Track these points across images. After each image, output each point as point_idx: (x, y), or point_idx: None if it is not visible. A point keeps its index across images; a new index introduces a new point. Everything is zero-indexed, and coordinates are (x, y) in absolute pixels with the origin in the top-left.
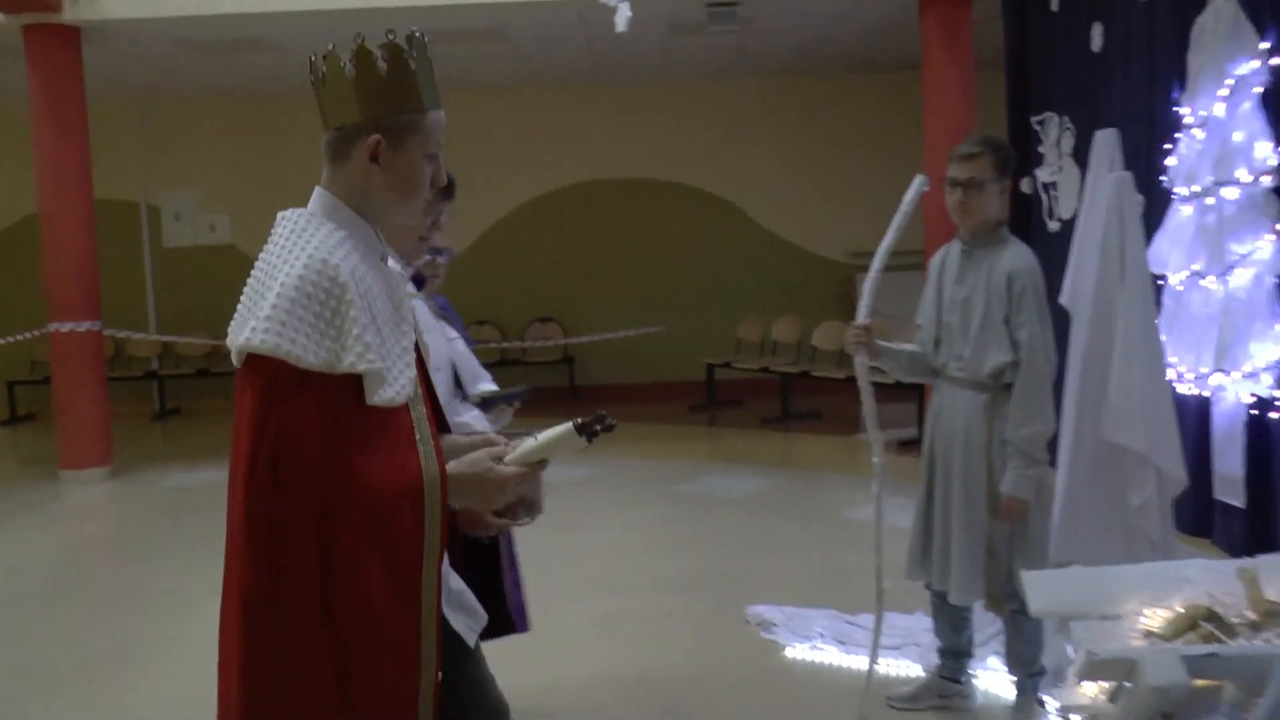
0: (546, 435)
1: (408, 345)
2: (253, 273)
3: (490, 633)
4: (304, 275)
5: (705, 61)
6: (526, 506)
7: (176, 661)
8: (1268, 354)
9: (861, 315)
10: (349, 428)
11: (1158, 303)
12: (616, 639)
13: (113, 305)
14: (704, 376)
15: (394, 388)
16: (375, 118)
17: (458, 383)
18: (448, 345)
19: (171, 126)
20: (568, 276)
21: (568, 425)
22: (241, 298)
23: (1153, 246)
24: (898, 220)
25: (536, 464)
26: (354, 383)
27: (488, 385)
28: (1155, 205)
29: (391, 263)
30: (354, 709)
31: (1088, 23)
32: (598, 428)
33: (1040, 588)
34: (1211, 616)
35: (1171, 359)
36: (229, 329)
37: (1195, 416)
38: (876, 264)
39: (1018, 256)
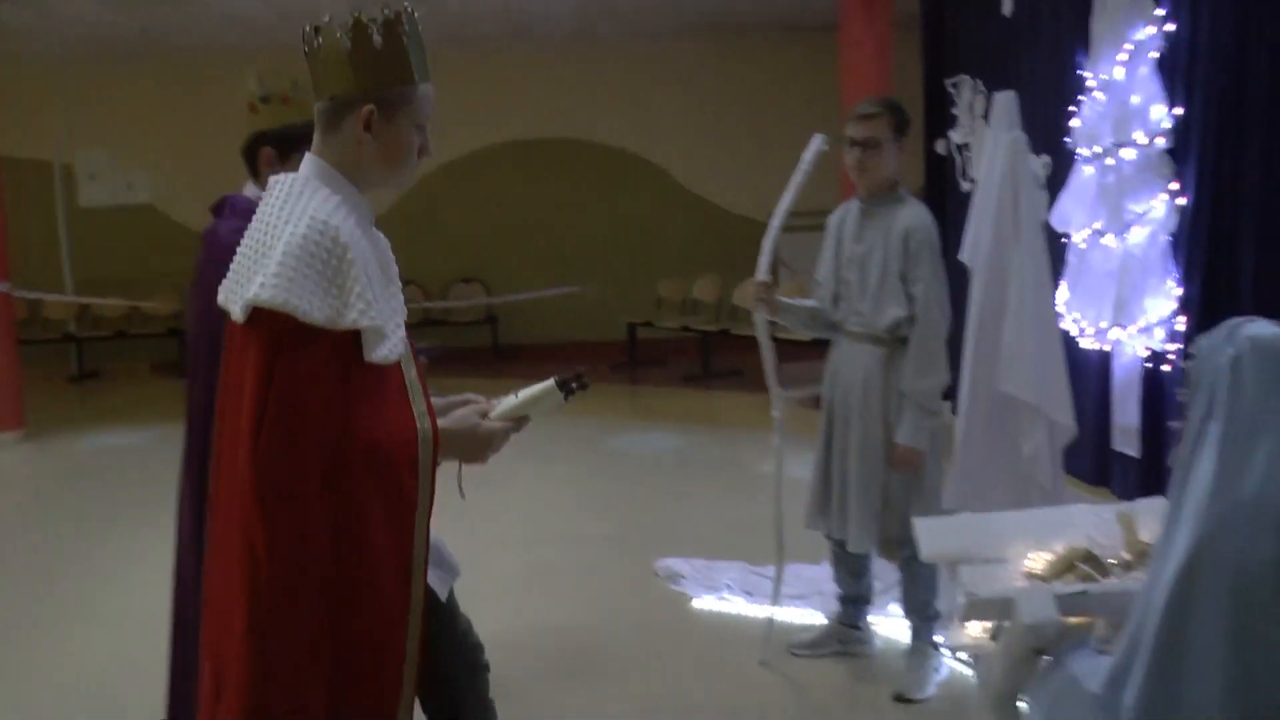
0: (527, 392)
1: (397, 306)
2: (248, 233)
3: None
4: (307, 235)
5: (625, 20)
6: None
7: (90, 627)
8: (1160, 309)
9: (761, 272)
10: (349, 383)
11: (1062, 260)
12: (534, 591)
13: (27, 267)
14: (625, 336)
15: (388, 345)
16: (369, 89)
17: None
18: None
19: (87, 83)
20: (490, 237)
21: (549, 382)
22: (237, 257)
23: (1057, 206)
24: (797, 179)
25: (520, 419)
26: (354, 340)
27: None
28: (1062, 166)
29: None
30: (345, 665)
31: None
32: (574, 385)
33: (931, 534)
34: (1089, 558)
35: (1074, 315)
36: (223, 288)
37: (1097, 370)
38: (776, 222)
39: (914, 215)
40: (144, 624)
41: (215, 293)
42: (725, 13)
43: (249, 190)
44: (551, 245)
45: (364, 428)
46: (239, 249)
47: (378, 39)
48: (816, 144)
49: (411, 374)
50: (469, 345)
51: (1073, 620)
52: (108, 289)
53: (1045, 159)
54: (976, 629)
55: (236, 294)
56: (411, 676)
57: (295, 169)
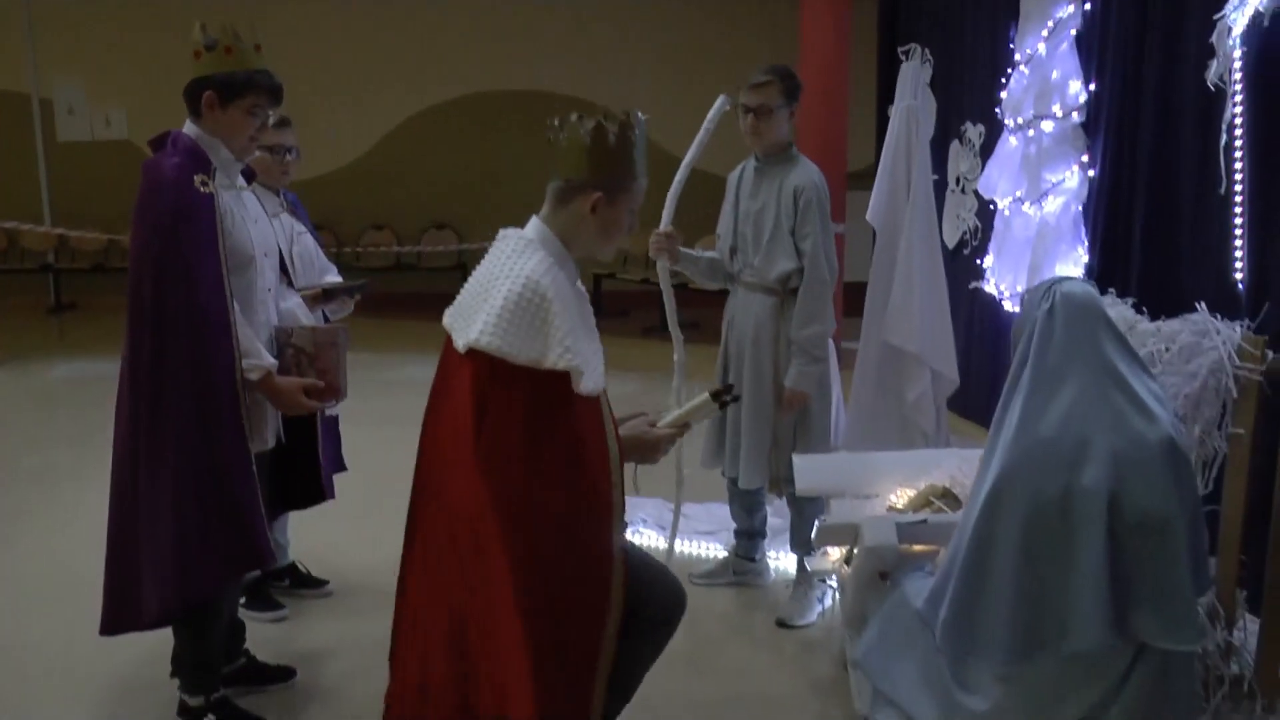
0: (689, 405)
1: (598, 349)
2: (474, 275)
3: (307, 502)
4: (521, 293)
5: None
6: (333, 392)
7: (38, 537)
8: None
9: (664, 223)
10: (555, 410)
11: (989, 226)
12: None
13: (5, 198)
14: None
15: (592, 380)
16: (599, 180)
17: (283, 268)
18: (283, 236)
19: (62, 17)
20: (462, 185)
21: (705, 395)
22: (463, 293)
23: (985, 174)
24: (700, 137)
25: (682, 426)
26: (559, 376)
27: (333, 277)
28: (993, 135)
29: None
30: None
31: None
32: (727, 398)
33: (807, 470)
34: (946, 494)
35: (996, 279)
36: (448, 314)
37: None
38: (680, 176)
39: (804, 174)
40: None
41: (158, 224)
42: None
43: (188, 128)
44: (522, 195)
45: (575, 445)
46: (466, 286)
47: (613, 139)
48: (719, 104)
49: (607, 401)
50: (441, 290)
51: (917, 548)
52: (86, 223)
53: (980, 128)
54: (836, 555)
55: (460, 326)
56: (607, 665)
57: (235, 114)
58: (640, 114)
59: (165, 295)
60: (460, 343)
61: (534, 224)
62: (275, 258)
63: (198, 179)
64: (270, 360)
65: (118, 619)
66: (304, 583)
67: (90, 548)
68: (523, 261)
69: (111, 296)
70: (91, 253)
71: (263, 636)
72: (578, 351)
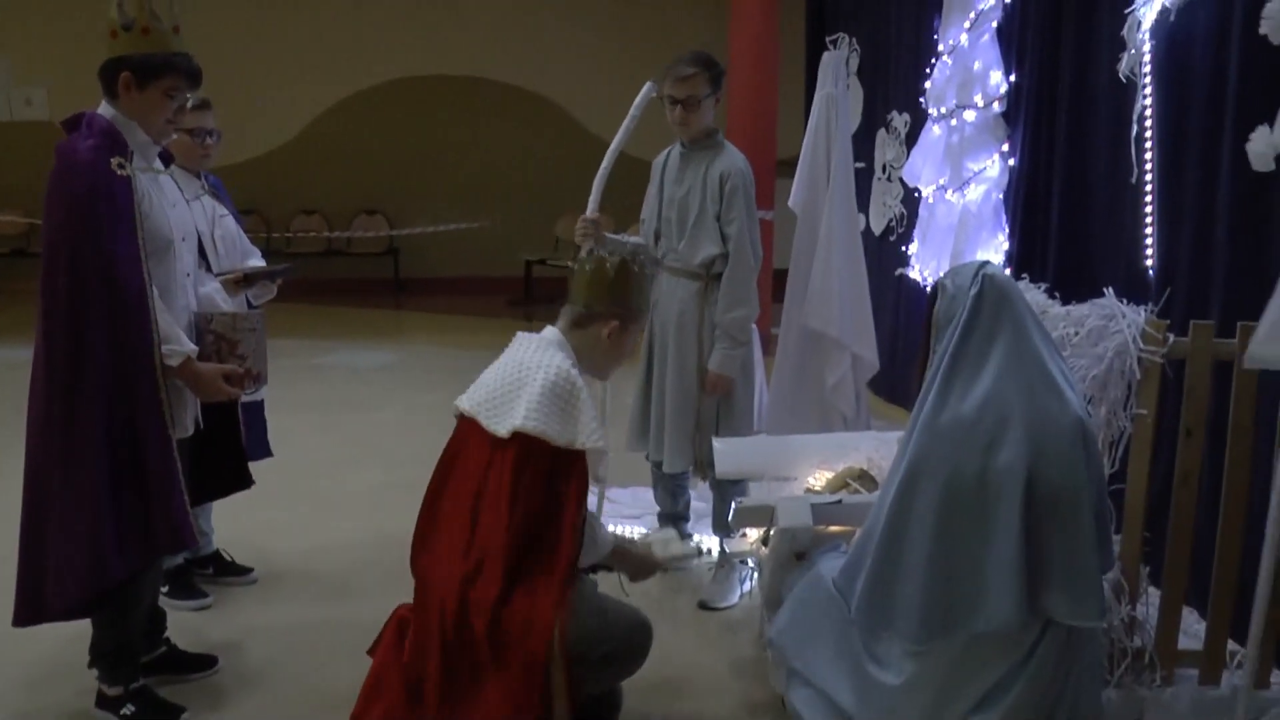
0: (679, 548)
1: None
2: (501, 364)
3: (230, 489)
4: (556, 380)
5: None
6: (253, 378)
7: None
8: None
9: (591, 209)
10: (572, 481)
11: (915, 213)
12: (385, 506)
13: None
14: (523, 272)
15: (605, 461)
16: (619, 310)
17: (202, 253)
18: (205, 219)
19: None
20: (393, 170)
21: (693, 548)
22: (491, 380)
23: (909, 162)
24: (627, 123)
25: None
26: (579, 453)
27: (256, 261)
28: (918, 124)
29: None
30: None
31: None
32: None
33: (727, 454)
34: (862, 475)
35: (920, 265)
36: (470, 398)
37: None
38: (606, 162)
39: (730, 160)
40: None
41: (74, 207)
42: None
43: (104, 109)
44: (453, 181)
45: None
46: (489, 372)
47: (634, 278)
48: (645, 90)
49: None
50: (371, 277)
51: (832, 529)
52: (5, 206)
53: (905, 117)
54: (754, 536)
55: (494, 413)
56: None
57: (152, 96)
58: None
59: (82, 280)
60: (498, 426)
61: (553, 332)
62: (194, 242)
63: (114, 161)
64: (190, 346)
65: (31, 610)
66: (228, 570)
67: (3, 537)
68: (550, 354)
69: (32, 282)
70: (12, 236)
71: (186, 625)
72: (601, 436)
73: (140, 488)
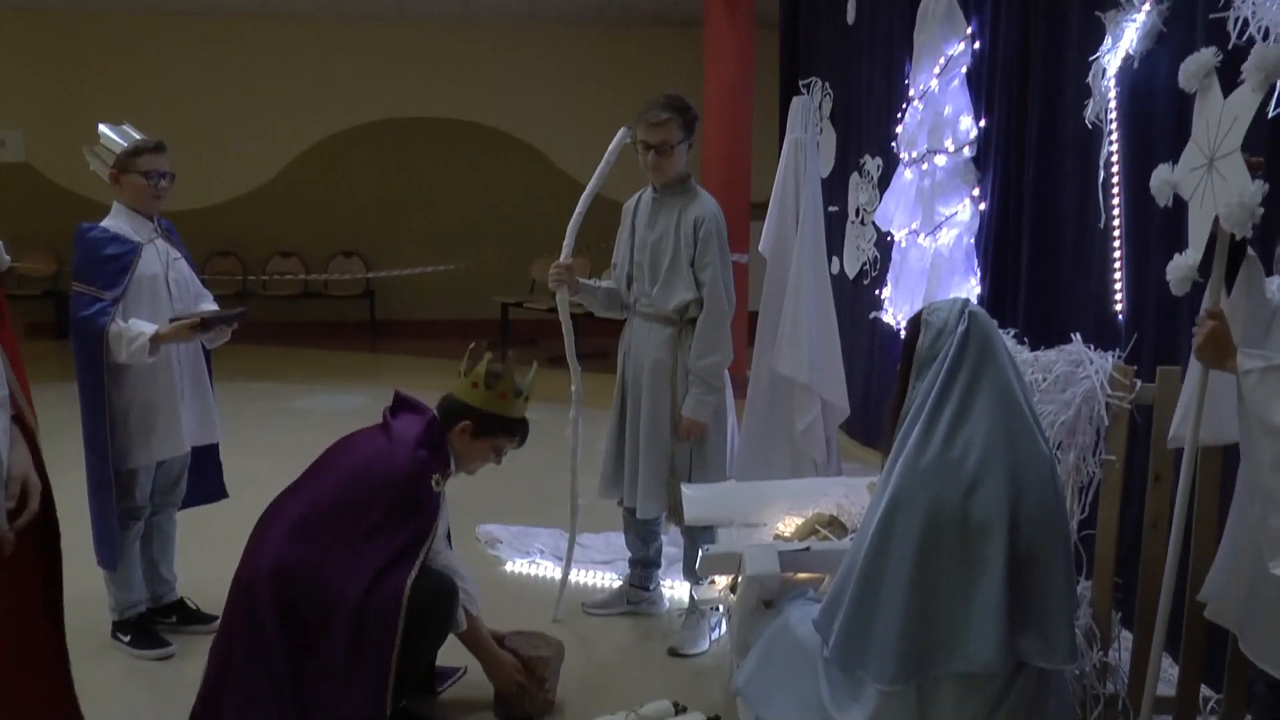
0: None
1: None
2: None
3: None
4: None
5: (506, 6)
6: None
7: None
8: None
9: (564, 255)
10: None
11: (888, 257)
12: None
13: None
14: (499, 315)
15: None
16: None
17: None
18: (159, 262)
19: None
20: (370, 212)
21: None
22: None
23: (882, 205)
24: (601, 168)
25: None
26: None
27: (209, 305)
28: (891, 168)
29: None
30: None
31: None
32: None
33: (696, 500)
34: (832, 522)
35: (893, 309)
36: None
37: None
38: (580, 207)
39: (703, 206)
40: None
41: None
42: (598, 6)
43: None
44: (429, 223)
45: None
46: None
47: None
48: (620, 136)
49: None
50: (347, 319)
51: (800, 576)
52: None
53: (878, 161)
54: (723, 583)
55: None
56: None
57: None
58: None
59: None
60: None
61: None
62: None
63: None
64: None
65: None
66: (192, 619)
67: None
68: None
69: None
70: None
71: (149, 674)
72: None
73: None
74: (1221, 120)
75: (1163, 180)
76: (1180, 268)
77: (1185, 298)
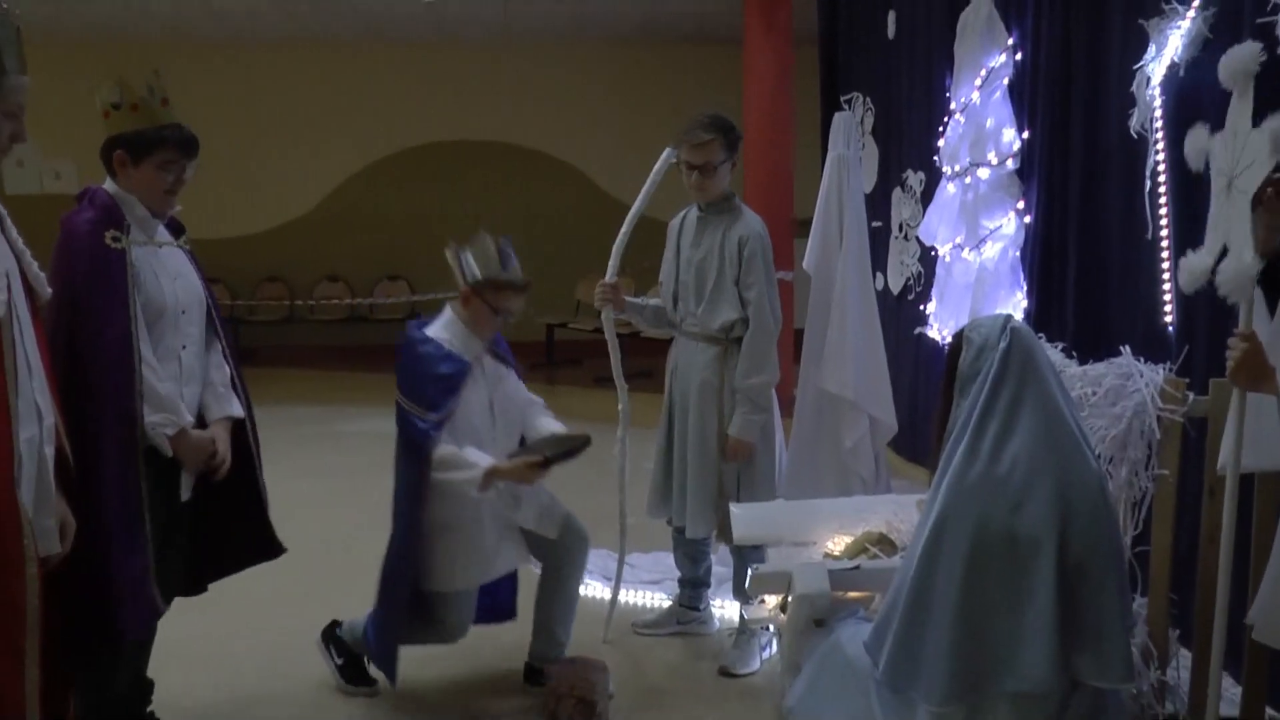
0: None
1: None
2: None
3: (258, 557)
4: None
5: (547, 26)
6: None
7: None
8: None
9: (610, 274)
10: None
11: (931, 272)
12: None
13: None
14: (544, 336)
15: None
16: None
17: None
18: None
19: None
20: (415, 235)
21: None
22: None
23: (925, 220)
24: (647, 188)
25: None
26: None
27: (546, 420)
28: (933, 183)
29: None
30: None
31: (884, 10)
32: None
33: (745, 519)
34: (882, 540)
35: (938, 325)
36: None
37: None
38: (626, 227)
39: (748, 224)
40: None
41: (70, 279)
42: (639, 25)
43: (108, 184)
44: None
45: None
46: None
47: None
48: (665, 156)
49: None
50: (393, 342)
51: (850, 595)
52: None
53: (920, 175)
54: (773, 602)
55: None
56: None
57: (146, 171)
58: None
59: (78, 353)
60: None
61: None
62: (197, 313)
63: (109, 235)
64: (187, 418)
65: None
66: None
67: None
68: None
69: None
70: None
71: None
72: None
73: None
74: (1247, 148)
75: (1198, 149)
76: (1191, 266)
77: (1236, 308)
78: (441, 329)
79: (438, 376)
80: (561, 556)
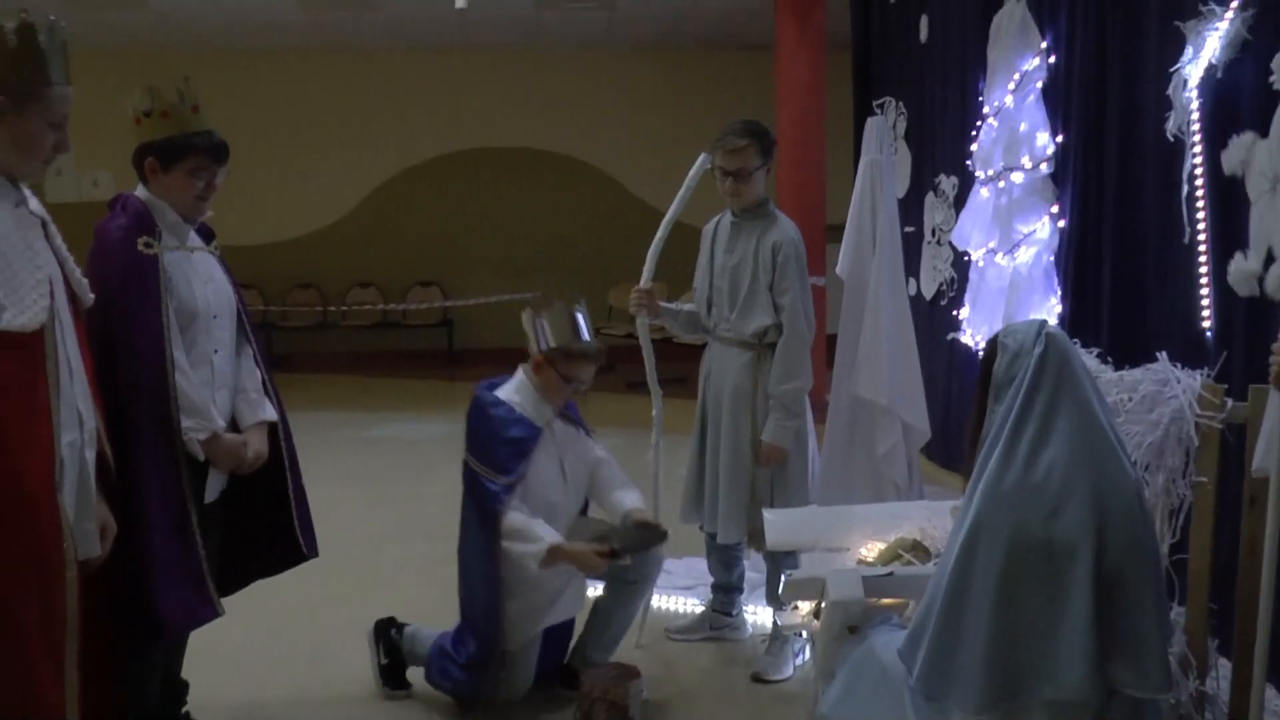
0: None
1: (41, 278)
2: None
3: (285, 564)
4: None
5: (578, 32)
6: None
7: None
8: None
9: (644, 280)
10: None
11: (965, 277)
12: (447, 575)
13: None
14: None
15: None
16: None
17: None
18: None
19: None
20: (447, 241)
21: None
22: None
23: (958, 225)
24: (682, 194)
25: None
26: None
27: (627, 498)
28: (966, 187)
29: (35, 204)
30: None
31: (917, 14)
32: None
33: (778, 525)
34: (915, 546)
35: (971, 330)
36: None
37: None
38: (661, 233)
39: (782, 229)
40: None
41: (105, 284)
42: (671, 31)
43: (139, 191)
44: (506, 251)
45: None
46: None
47: (13, 41)
48: (700, 162)
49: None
50: (425, 348)
51: (884, 601)
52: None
53: (953, 180)
54: (806, 609)
55: None
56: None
57: (177, 178)
58: (53, 17)
59: (114, 357)
60: None
61: None
62: (228, 318)
63: (141, 241)
64: (219, 422)
65: None
66: None
67: None
68: None
69: None
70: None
71: None
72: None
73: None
74: None
75: (1238, 160)
76: (1240, 271)
77: (1275, 313)
78: (513, 392)
79: (508, 440)
80: (639, 571)
